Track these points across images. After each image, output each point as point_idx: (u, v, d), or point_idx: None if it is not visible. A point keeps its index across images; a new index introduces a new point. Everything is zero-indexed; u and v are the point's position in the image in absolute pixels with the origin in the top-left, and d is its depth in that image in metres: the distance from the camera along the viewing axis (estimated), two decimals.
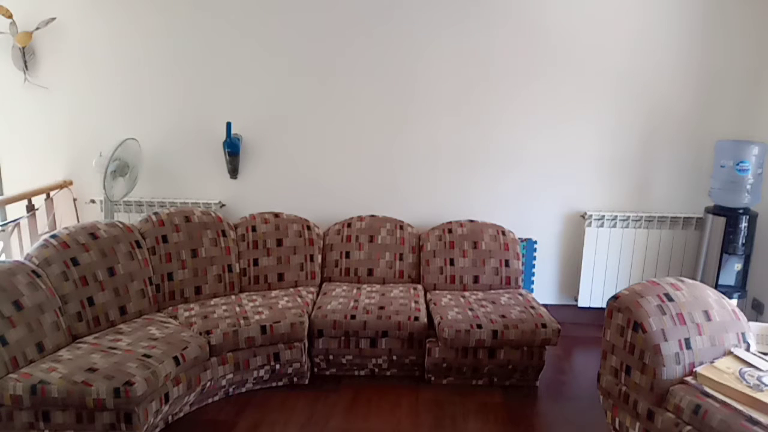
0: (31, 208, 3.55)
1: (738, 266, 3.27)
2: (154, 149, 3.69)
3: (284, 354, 2.86)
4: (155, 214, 3.15)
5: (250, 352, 2.79)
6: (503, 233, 3.44)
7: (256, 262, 3.30)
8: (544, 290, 3.78)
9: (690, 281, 2.30)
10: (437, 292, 3.30)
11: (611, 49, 3.41)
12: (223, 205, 3.74)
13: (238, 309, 2.94)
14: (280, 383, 2.96)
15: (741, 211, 3.21)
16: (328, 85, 3.55)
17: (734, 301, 3.26)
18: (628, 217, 3.53)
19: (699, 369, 2.04)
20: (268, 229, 3.36)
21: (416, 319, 2.91)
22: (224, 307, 2.96)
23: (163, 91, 3.61)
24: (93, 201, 3.73)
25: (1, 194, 3.79)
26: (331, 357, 3.00)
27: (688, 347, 2.08)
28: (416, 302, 3.06)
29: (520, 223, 3.68)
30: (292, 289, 3.27)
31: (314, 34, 3.48)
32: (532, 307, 3.02)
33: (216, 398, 2.81)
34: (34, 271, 2.51)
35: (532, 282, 3.71)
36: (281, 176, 3.70)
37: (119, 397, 2.17)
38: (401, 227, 3.51)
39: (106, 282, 2.75)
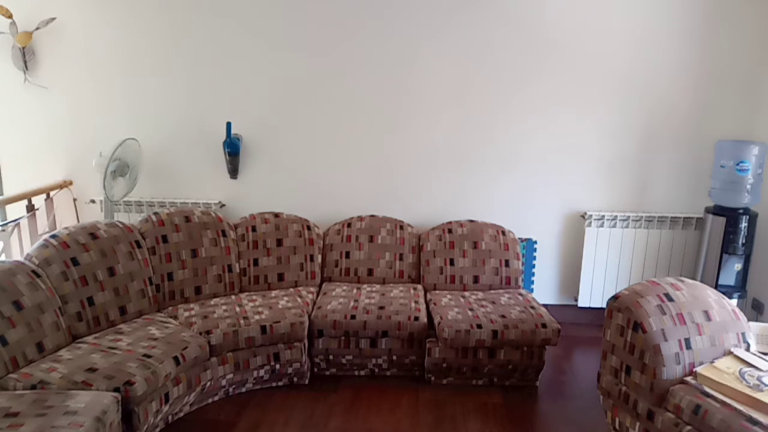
0: (31, 208, 3.55)
1: (738, 266, 3.27)
2: (154, 149, 3.69)
3: (284, 354, 2.86)
4: (155, 214, 3.15)
5: (250, 352, 2.79)
6: (503, 233, 3.44)
7: (256, 262, 3.30)
8: (544, 290, 3.78)
9: (690, 281, 2.30)
10: (437, 292, 3.30)
11: (611, 49, 3.41)
12: (223, 205, 3.75)
13: (238, 309, 2.94)
14: (280, 383, 2.96)
15: (741, 211, 3.21)
16: (329, 86, 3.55)
17: (734, 301, 3.26)
18: (628, 217, 3.53)
19: (699, 369, 2.05)
20: (268, 229, 3.36)
21: (416, 319, 2.91)
22: (224, 307, 2.96)
23: (164, 91, 3.62)
24: (93, 201, 3.73)
25: (1, 194, 3.79)
26: (331, 357, 3.00)
27: (688, 347, 2.08)
28: (416, 302, 3.07)
29: (520, 223, 3.68)
30: (292, 289, 3.27)
31: (315, 34, 3.49)
32: (532, 307, 3.02)
33: (216, 398, 2.82)
34: (34, 271, 2.51)
35: (532, 282, 3.71)
36: (281, 176, 3.70)
37: None
38: (401, 227, 3.51)
39: (106, 282, 2.75)
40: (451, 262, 3.36)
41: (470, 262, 3.36)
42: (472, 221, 3.50)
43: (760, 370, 2.01)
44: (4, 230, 3.43)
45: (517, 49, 3.45)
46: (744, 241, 3.22)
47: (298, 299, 3.09)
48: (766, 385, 1.93)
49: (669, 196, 3.59)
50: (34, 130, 3.72)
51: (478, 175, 3.64)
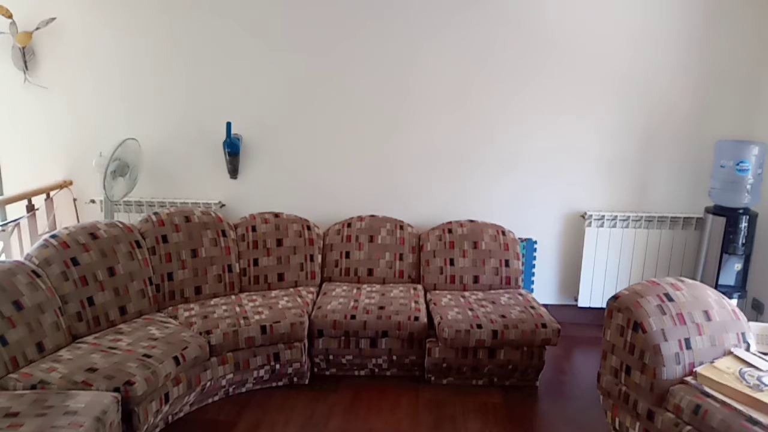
0: (31, 208, 3.55)
1: (738, 266, 3.27)
2: (154, 149, 3.69)
3: (284, 354, 2.86)
4: (155, 214, 3.15)
5: (250, 352, 2.79)
6: (503, 233, 3.44)
7: (256, 262, 3.30)
8: (544, 290, 3.78)
9: (690, 281, 2.30)
10: (437, 292, 3.30)
11: (611, 49, 3.41)
12: (223, 205, 3.75)
13: (238, 309, 2.94)
14: (280, 383, 2.96)
15: (741, 211, 3.21)
16: (329, 86, 3.55)
17: (734, 301, 3.26)
18: (628, 217, 3.53)
19: (699, 369, 2.05)
20: (268, 229, 3.36)
21: (416, 319, 2.91)
22: (224, 307, 2.96)
23: (164, 90, 3.62)
24: (93, 201, 3.73)
25: (1, 194, 3.79)
26: (331, 357, 3.00)
27: (688, 347, 2.08)
28: (416, 302, 3.06)
29: (520, 223, 3.68)
30: (292, 289, 3.27)
31: (314, 34, 3.49)
32: (532, 307, 3.02)
33: (216, 398, 2.82)
34: (34, 271, 2.51)
35: (532, 282, 3.71)
36: (281, 176, 3.70)
37: None
38: (401, 227, 3.51)
39: (106, 282, 2.75)
40: (451, 262, 3.36)
41: (470, 262, 3.36)
42: (472, 221, 3.50)
43: (760, 370, 2.01)
44: (4, 230, 3.43)
45: (517, 50, 3.45)
46: (744, 241, 3.22)
47: (298, 299, 3.09)
48: (766, 385, 1.93)
49: (669, 196, 3.59)
50: (34, 130, 3.72)
51: (478, 175, 3.64)
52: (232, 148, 3.56)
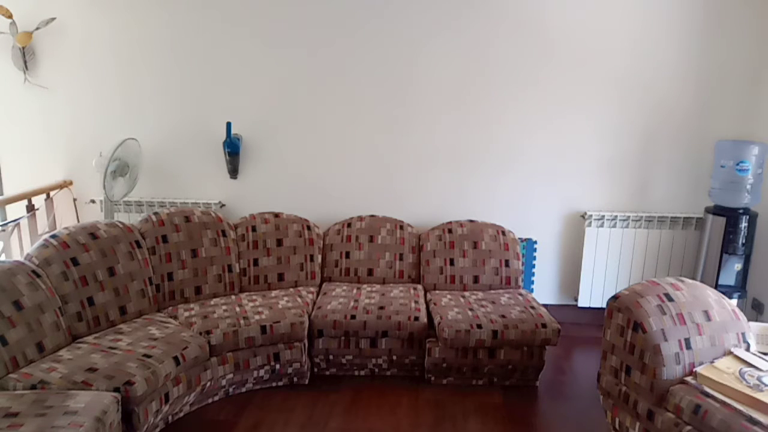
0: (31, 208, 3.55)
1: (738, 266, 3.27)
2: (154, 149, 3.69)
3: (284, 354, 2.86)
4: (155, 214, 3.15)
5: (250, 352, 2.79)
6: (503, 233, 3.44)
7: (256, 262, 3.30)
8: (544, 290, 3.78)
9: (690, 281, 2.30)
10: (437, 292, 3.30)
11: (611, 49, 3.42)
12: (223, 205, 3.75)
13: (238, 309, 2.94)
14: (280, 383, 2.96)
15: (741, 211, 3.21)
16: (329, 86, 3.56)
17: (734, 301, 3.26)
18: (628, 217, 3.53)
19: (699, 369, 2.05)
20: (268, 229, 3.36)
21: (416, 319, 2.91)
22: (224, 307, 2.96)
23: (163, 91, 3.62)
24: (93, 201, 3.73)
25: (1, 194, 3.79)
26: (331, 357, 3.00)
27: (688, 347, 2.08)
28: (416, 302, 3.07)
29: (520, 223, 3.68)
30: (292, 289, 3.27)
31: (314, 34, 3.49)
32: (532, 307, 3.02)
33: (216, 398, 2.82)
34: (34, 271, 2.51)
35: (532, 282, 3.71)
36: (281, 176, 3.70)
37: None
38: (401, 227, 3.51)
39: (106, 282, 2.75)
40: (451, 262, 3.36)
41: (470, 262, 3.36)
42: (472, 221, 3.50)
43: (760, 370, 2.01)
44: (4, 230, 3.43)
45: (518, 49, 3.45)
46: (744, 241, 3.22)
47: (298, 299, 3.09)
48: (766, 385, 1.93)
49: (669, 196, 3.59)
50: (34, 130, 3.72)
51: (478, 175, 3.64)
52: (232, 148, 3.57)
